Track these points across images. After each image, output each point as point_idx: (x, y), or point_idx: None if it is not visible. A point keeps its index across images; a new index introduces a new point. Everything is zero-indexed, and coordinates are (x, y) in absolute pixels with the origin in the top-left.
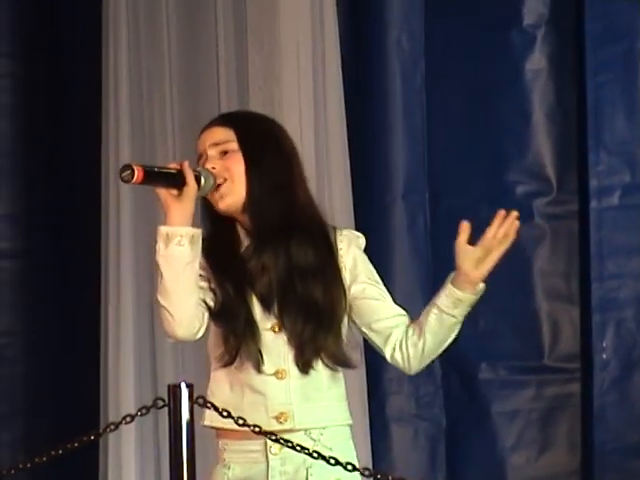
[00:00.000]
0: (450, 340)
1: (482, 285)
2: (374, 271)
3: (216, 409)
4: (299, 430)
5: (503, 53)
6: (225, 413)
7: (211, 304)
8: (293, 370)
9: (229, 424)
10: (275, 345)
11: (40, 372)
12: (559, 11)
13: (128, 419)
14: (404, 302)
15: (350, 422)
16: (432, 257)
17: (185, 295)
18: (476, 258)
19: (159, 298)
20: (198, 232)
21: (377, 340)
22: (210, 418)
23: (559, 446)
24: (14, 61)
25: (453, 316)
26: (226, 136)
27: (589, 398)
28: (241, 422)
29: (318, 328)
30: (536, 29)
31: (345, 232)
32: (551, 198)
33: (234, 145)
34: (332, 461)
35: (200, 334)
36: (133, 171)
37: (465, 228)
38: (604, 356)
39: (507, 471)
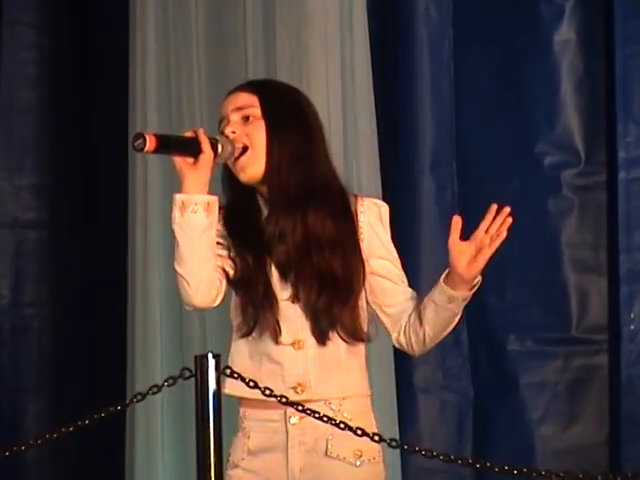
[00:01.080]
0: (452, 327)
1: (478, 279)
2: (392, 247)
3: (242, 379)
4: (318, 400)
5: (531, 24)
6: (252, 384)
7: (230, 272)
8: (310, 341)
9: (249, 393)
10: (293, 316)
11: (66, 342)
12: None
13: (155, 389)
14: (431, 274)
15: (369, 393)
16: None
17: (201, 263)
18: (469, 257)
19: (176, 266)
20: (214, 199)
21: (387, 322)
22: (231, 386)
23: (587, 418)
24: (39, 31)
25: (450, 309)
26: (250, 101)
27: (617, 369)
28: (268, 392)
29: (333, 299)
30: (564, 1)
31: (367, 202)
32: (579, 169)
33: (257, 111)
34: (359, 432)
35: (217, 301)
36: (145, 139)
37: (457, 224)
38: (632, 327)
39: (535, 443)
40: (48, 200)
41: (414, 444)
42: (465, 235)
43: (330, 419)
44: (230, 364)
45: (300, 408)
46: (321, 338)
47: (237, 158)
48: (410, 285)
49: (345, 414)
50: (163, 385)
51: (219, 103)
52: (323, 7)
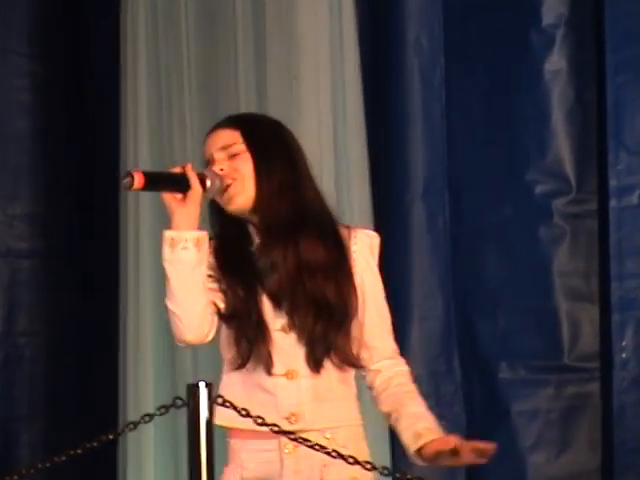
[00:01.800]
0: None
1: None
2: (382, 287)
3: (235, 408)
4: (312, 430)
5: (522, 53)
6: (244, 412)
7: (221, 305)
8: (304, 370)
9: (242, 423)
10: (286, 345)
11: (59, 372)
12: (578, 11)
13: (147, 418)
14: (423, 301)
15: (361, 422)
16: (451, 257)
17: (193, 299)
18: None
19: (167, 303)
20: (204, 235)
21: (364, 356)
22: (222, 418)
23: (579, 446)
24: (32, 61)
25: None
26: (233, 138)
27: (609, 397)
28: (260, 421)
29: (329, 325)
30: (555, 29)
31: (359, 233)
32: (571, 197)
33: (241, 147)
34: (350, 460)
35: (210, 337)
36: (133, 177)
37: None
38: (624, 355)
39: (527, 470)
40: (42, 229)
41: (406, 472)
42: (458, 260)
43: (322, 447)
44: (222, 394)
45: (293, 437)
46: (315, 366)
47: (225, 189)
48: (401, 312)
49: (339, 442)
50: (155, 414)
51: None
52: (313, 35)
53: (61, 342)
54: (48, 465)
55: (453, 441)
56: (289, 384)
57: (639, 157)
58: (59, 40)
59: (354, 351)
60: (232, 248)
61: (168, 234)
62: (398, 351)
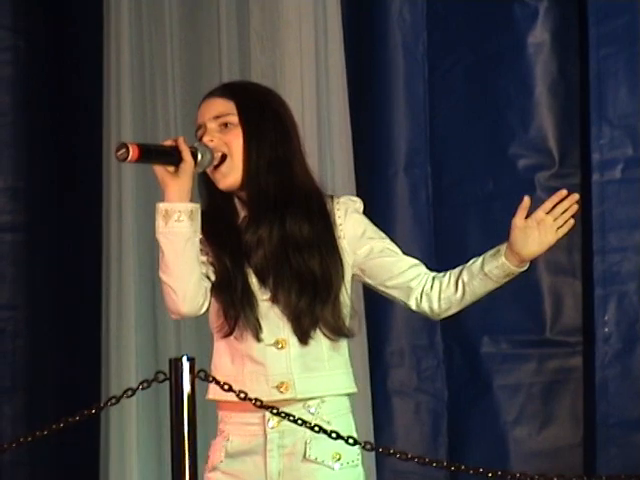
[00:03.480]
0: None
1: (516, 266)
2: (377, 229)
3: (217, 382)
4: (299, 401)
5: (505, 26)
6: (227, 387)
7: (213, 278)
8: (292, 340)
9: (231, 396)
10: (273, 316)
11: (41, 346)
12: None
13: (129, 392)
14: None
15: (354, 390)
16: (434, 230)
17: (187, 270)
18: (530, 237)
19: (161, 275)
20: (197, 207)
21: (398, 295)
22: (214, 392)
23: (561, 420)
24: (15, 34)
25: (500, 283)
26: (226, 108)
27: (591, 372)
28: (242, 395)
29: (314, 300)
30: (538, 2)
31: (342, 199)
32: (553, 171)
33: (234, 118)
34: (333, 435)
35: (204, 309)
36: (128, 149)
37: (526, 204)
38: (606, 330)
39: (509, 445)
40: (24, 203)
41: (389, 447)
42: (440, 233)
43: (305, 422)
44: (212, 367)
45: (276, 411)
46: (303, 338)
47: (216, 166)
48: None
49: (324, 417)
50: (138, 388)
51: (193, 106)
52: (297, 11)
53: (43, 316)
54: (30, 439)
55: (524, 224)
56: (278, 353)
57: (622, 131)
58: (42, 14)
59: (343, 321)
60: (219, 221)
61: (162, 206)
62: (418, 262)
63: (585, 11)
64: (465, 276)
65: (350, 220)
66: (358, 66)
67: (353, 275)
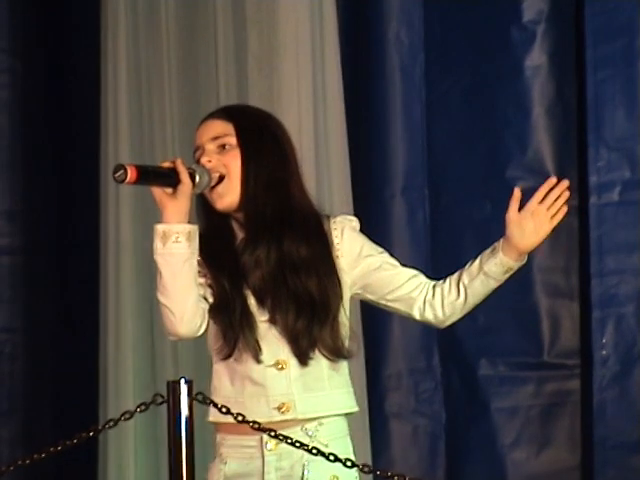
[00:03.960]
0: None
1: (516, 260)
2: (374, 244)
3: (215, 405)
4: (299, 422)
5: (503, 49)
6: (224, 409)
7: (210, 300)
8: (292, 361)
9: (223, 418)
10: (272, 337)
11: (39, 369)
12: (559, 7)
13: (127, 415)
14: None
15: (355, 409)
16: (431, 252)
17: (185, 292)
18: (526, 229)
19: (159, 296)
20: (195, 228)
21: (401, 307)
22: (214, 414)
23: (559, 442)
24: (13, 56)
25: (500, 281)
26: (225, 130)
27: (589, 394)
28: (240, 418)
29: (312, 321)
30: (536, 25)
31: (339, 219)
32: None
33: (232, 140)
34: (331, 457)
35: (202, 330)
36: (126, 171)
37: (517, 196)
38: (604, 352)
39: (507, 467)
40: (21, 226)
41: (386, 469)
42: (437, 255)
43: (303, 445)
44: (212, 390)
45: (273, 434)
46: (302, 359)
47: (213, 187)
48: (380, 309)
49: (321, 439)
50: (136, 411)
51: (190, 128)
52: (294, 34)
53: (41, 339)
54: (28, 462)
55: (519, 217)
56: (278, 374)
57: (619, 153)
58: (39, 36)
59: (342, 342)
60: (217, 243)
61: (160, 228)
62: (417, 272)
63: (583, 34)
64: (465, 279)
65: (347, 239)
66: (355, 88)
67: (353, 295)
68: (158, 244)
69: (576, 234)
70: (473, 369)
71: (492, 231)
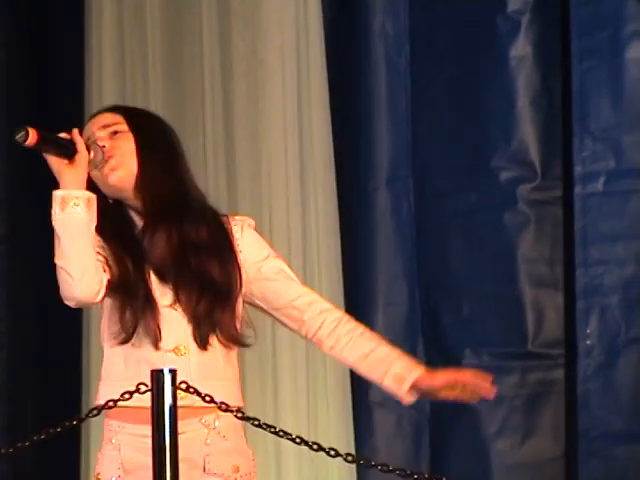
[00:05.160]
0: None
1: (412, 400)
2: (271, 250)
3: (199, 394)
4: (196, 414)
5: (488, 39)
6: (208, 399)
7: (107, 271)
8: (192, 347)
9: (126, 404)
10: (174, 321)
11: (24, 358)
12: None
13: (111, 404)
14: (387, 287)
15: (242, 404)
16: (416, 243)
17: (84, 255)
18: (452, 386)
19: (57, 261)
20: (93, 196)
21: (290, 323)
22: (106, 397)
23: (543, 432)
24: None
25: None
26: (115, 119)
27: (573, 384)
28: (208, 399)
29: (213, 303)
30: (521, 15)
31: (238, 217)
32: (535, 184)
33: (124, 127)
34: (315, 447)
35: (99, 297)
36: (27, 133)
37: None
38: (588, 342)
39: (491, 457)
40: (5, 215)
41: (370, 459)
42: (422, 246)
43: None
44: (103, 372)
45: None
46: (202, 342)
47: (106, 161)
48: (366, 298)
49: (220, 431)
50: (119, 399)
51: (176, 117)
52: (279, 22)
53: (25, 328)
54: (11, 450)
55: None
56: (178, 360)
57: (604, 143)
58: (24, 28)
59: (239, 329)
60: (117, 229)
61: (58, 194)
62: (320, 298)
63: (568, 24)
64: (367, 348)
65: (247, 236)
66: (340, 79)
67: (247, 296)
68: (57, 209)
69: (561, 224)
70: (457, 359)
71: (476, 221)
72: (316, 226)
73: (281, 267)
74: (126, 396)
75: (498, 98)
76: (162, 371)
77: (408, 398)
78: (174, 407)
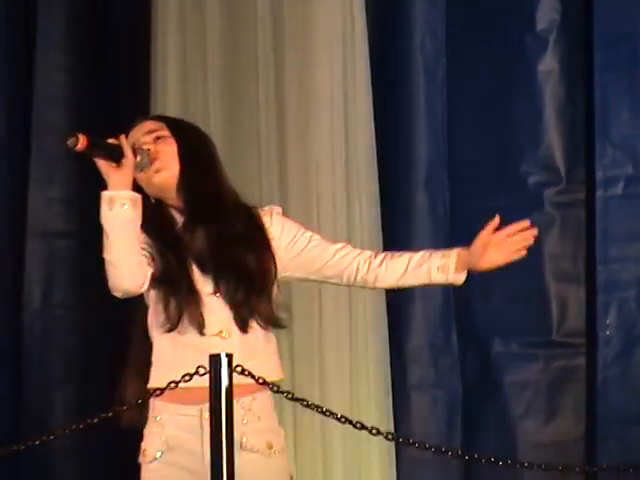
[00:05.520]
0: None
1: (463, 278)
2: (300, 226)
3: (252, 377)
4: (236, 395)
5: (518, 55)
6: (261, 380)
7: (152, 266)
8: (234, 330)
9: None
10: (216, 308)
11: (91, 342)
12: (569, 17)
13: (173, 385)
14: None
15: (282, 376)
16: (450, 240)
17: (129, 250)
18: (487, 250)
19: (105, 256)
20: (139, 196)
21: (333, 276)
22: (155, 380)
23: (565, 415)
24: (68, 56)
25: (433, 285)
26: (158, 126)
27: (593, 371)
28: (261, 381)
29: (250, 290)
30: (548, 34)
31: (266, 208)
32: (560, 188)
33: (166, 132)
34: (358, 425)
35: (143, 288)
36: (78, 138)
37: (495, 222)
38: (607, 333)
39: (517, 437)
40: (75, 212)
41: (408, 437)
42: (456, 242)
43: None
44: (154, 358)
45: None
46: (242, 326)
47: (151, 163)
48: (405, 292)
49: (255, 413)
50: (180, 381)
51: (230, 121)
52: (328, 39)
53: (93, 315)
54: (81, 426)
55: (487, 239)
56: (222, 342)
57: (623, 150)
58: (91, 40)
59: (275, 312)
60: (160, 226)
61: (106, 194)
62: (347, 246)
63: (590, 42)
64: (408, 263)
65: (276, 223)
66: (383, 89)
67: (285, 275)
68: (105, 208)
69: (583, 224)
70: (488, 346)
71: (506, 222)
72: (360, 223)
73: (310, 236)
74: (186, 378)
75: (527, 108)
76: (219, 355)
77: (459, 279)
78: (230, 388)
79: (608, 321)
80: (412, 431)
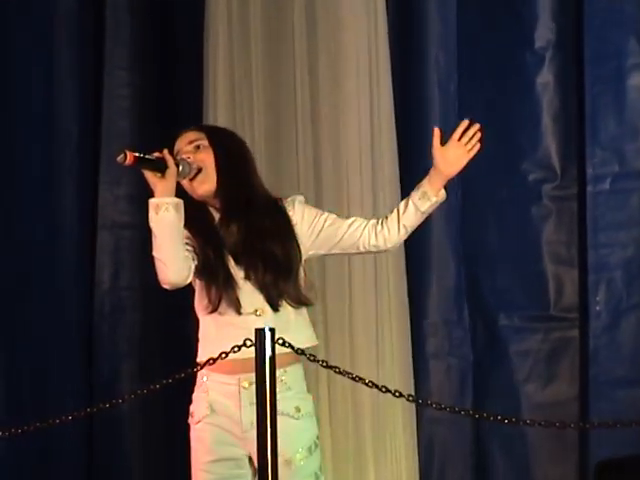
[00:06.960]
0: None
1: (443, 193)
2: (317, 209)
3: (292, 347)
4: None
5: (519, 69)
6: (300, 351)
7: (195, 261)
8: (267, 309)
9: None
10: (250, 290)
11: (153, 319)
12: (563, 37)
13: (223, 355)
14: (439, 264)
15: (315, 342)
16: (461, 229)
17: (175, 248)
18: (448, 158)
19: (154, 254)
20: (181, 201)
21: (351, 249)
22: (203, 355)
23: (561, 379)
24: (132, 73)
25: (426, 214)
26: (198, 136)
27: (585, 341)
28: (302, 352)
29: (277, 275)
30: (545, 51)
31: (289, 198)
32: (556, 184)
33: (205, 142)
34: (383, 389)
35: (188, 280)
36: (126, 155)
37: (437, 133)
38: (597, 308)
39: (521, 398)
40: (138, 206)
41: (426, 399)
42: (467, 229)
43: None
44: (200, 335)
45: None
46: (273, 306)
47: (193, 178)
48: (422, 273)
49: (286, 383)
50: (230, 352)
51: (271, 131)
52: (355, 54)
53: (154, 296)
54: (145, 392)
55: (442, 150)
56: (257, 319)
57: (611, 152)
58: (153, 56)
59: (302, 293)
60: (201, 223)
61: (153, 201)
62: (359, 218)
63: (582, 58)
64: (401, 210)
65: (298, 210)
66: (403, 103)
67: (311, 255)
68: (152, 213)
69: (576, 215)
70: (494, 321)
71: (510, 213)
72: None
73: (326, 217)
74: (235, 349)
75: (527, 116)
76: (263, 329)
77: (440, 196)
78: (273, 357)
79: (598, 298)
80: (430, 394)
